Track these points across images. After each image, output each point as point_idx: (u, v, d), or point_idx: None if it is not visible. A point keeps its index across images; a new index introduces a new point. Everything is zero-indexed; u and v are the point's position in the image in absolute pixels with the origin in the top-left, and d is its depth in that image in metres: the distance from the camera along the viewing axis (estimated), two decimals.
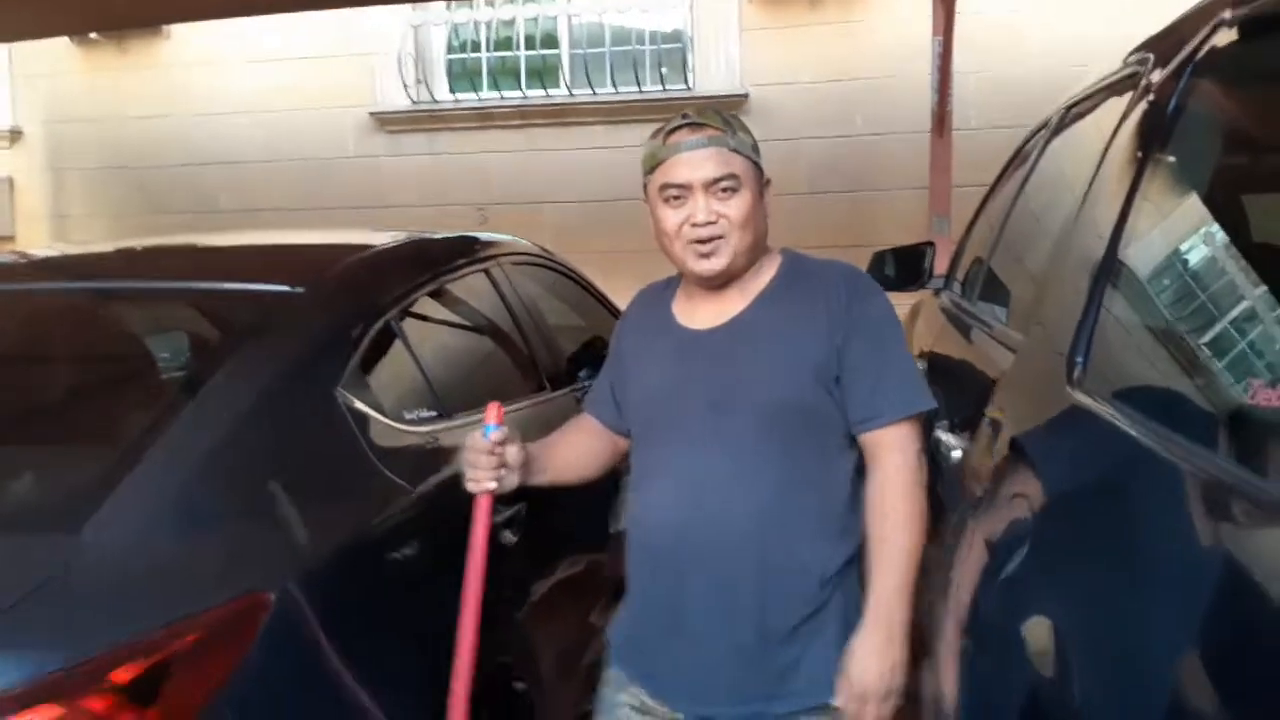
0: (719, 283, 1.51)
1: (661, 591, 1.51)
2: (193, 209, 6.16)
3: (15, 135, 6.40)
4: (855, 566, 1.49)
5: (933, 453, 1.79)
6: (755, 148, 1.51)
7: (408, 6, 5.76)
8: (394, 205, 5.92)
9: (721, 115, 1.51)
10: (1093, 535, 1.05)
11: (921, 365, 2.69)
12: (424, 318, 2.13)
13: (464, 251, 2.46)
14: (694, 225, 1.46)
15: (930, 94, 4.72)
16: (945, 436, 1.70)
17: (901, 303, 3.86)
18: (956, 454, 1.60)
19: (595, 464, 1.72)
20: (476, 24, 5.93)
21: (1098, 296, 1.25)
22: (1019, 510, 1.27)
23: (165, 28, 6.04)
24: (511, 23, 5.87)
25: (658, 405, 1.54)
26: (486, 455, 1.52)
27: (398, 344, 1.95)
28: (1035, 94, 5.00)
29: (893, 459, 1.44)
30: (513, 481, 1.56)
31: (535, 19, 5.86)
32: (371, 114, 5.98)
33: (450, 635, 1.54)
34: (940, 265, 3.35)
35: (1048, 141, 2.21)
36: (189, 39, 6.03)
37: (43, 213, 6.46)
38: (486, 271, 2.47)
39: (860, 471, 1.49)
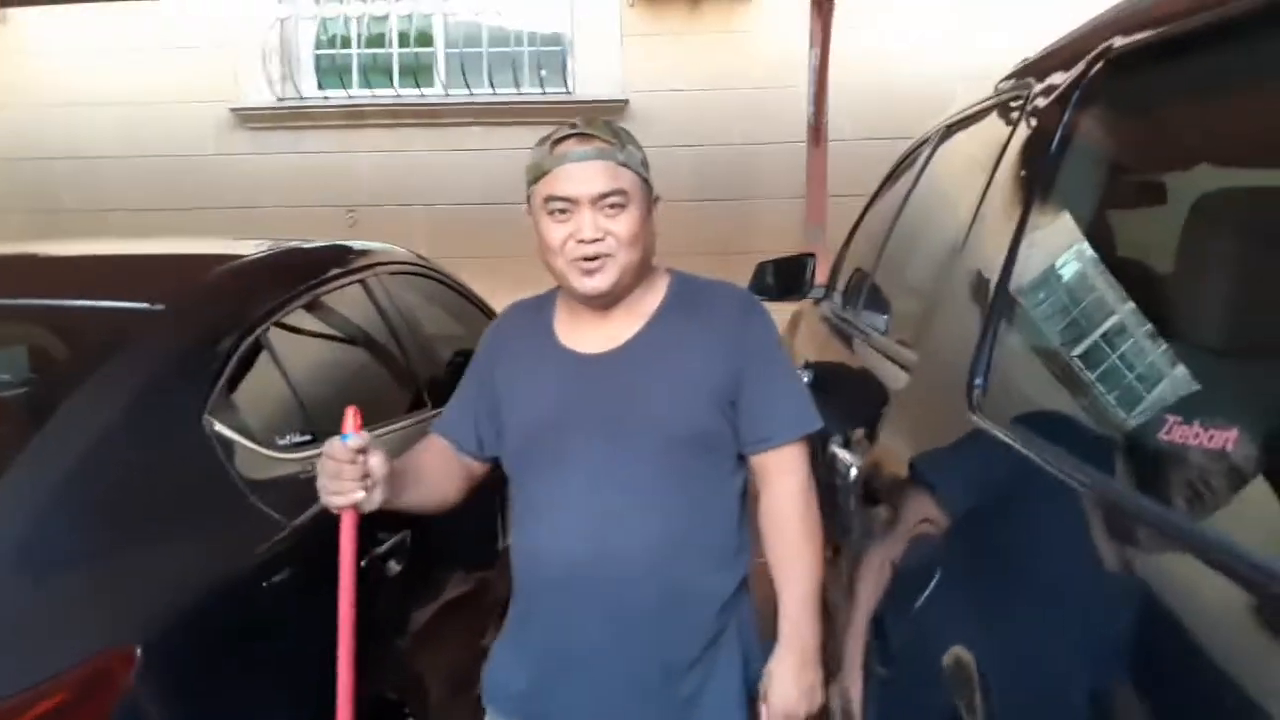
0: (604, 302, 1.45)
1: (553, 629, 1.44)
2: (35, 207, 5.71)
3: None
4: (747, 587, 1.49)
5: (829, 466, 1.79)
6: (645, 162, 1.46)
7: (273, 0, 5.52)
8: (257, 206, 5.64)
9: (611, 127, 1.45)
10: (997, 561, 1.06)
11: (807, 376, 2.72)
12: (296, 333, 2.00)
13: (338, 261, 2.33)
14: (579, 241, 1.39)
15: (807, 105, 4.81)
16: (840, 452, 1.70)
17: (781, 311, 3.91)
18: (853, 470, 1.60)
19: (455, 490, 1.57)
20: (347, 19, 5.72)
21: (994, 320, 1.27)
22: (922, 534, 1.27)
23: (1, 13, 5.59)
24: (384, 19, 5.69)
25: (544, 433, 1.46)
26: (348, 465, 1.33)
27: (268, 363, 1.82)
28: (907, 108, 5.14)
29: (787, 480, 1.44)
30: (377, 498, 1.37)
31: (409, 15, 5.70)
32: (233, 110, 5.68)
33: (333, 675, 1.44)
34: (821, 275, 3.41)
35: (929, 158, 2.25)
36: (28, 24, 5.59)
37: None
38: (363, 282, 2.35)
39: (746, 490, 1.49)
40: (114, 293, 1.75)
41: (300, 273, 2.12)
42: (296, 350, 1.97)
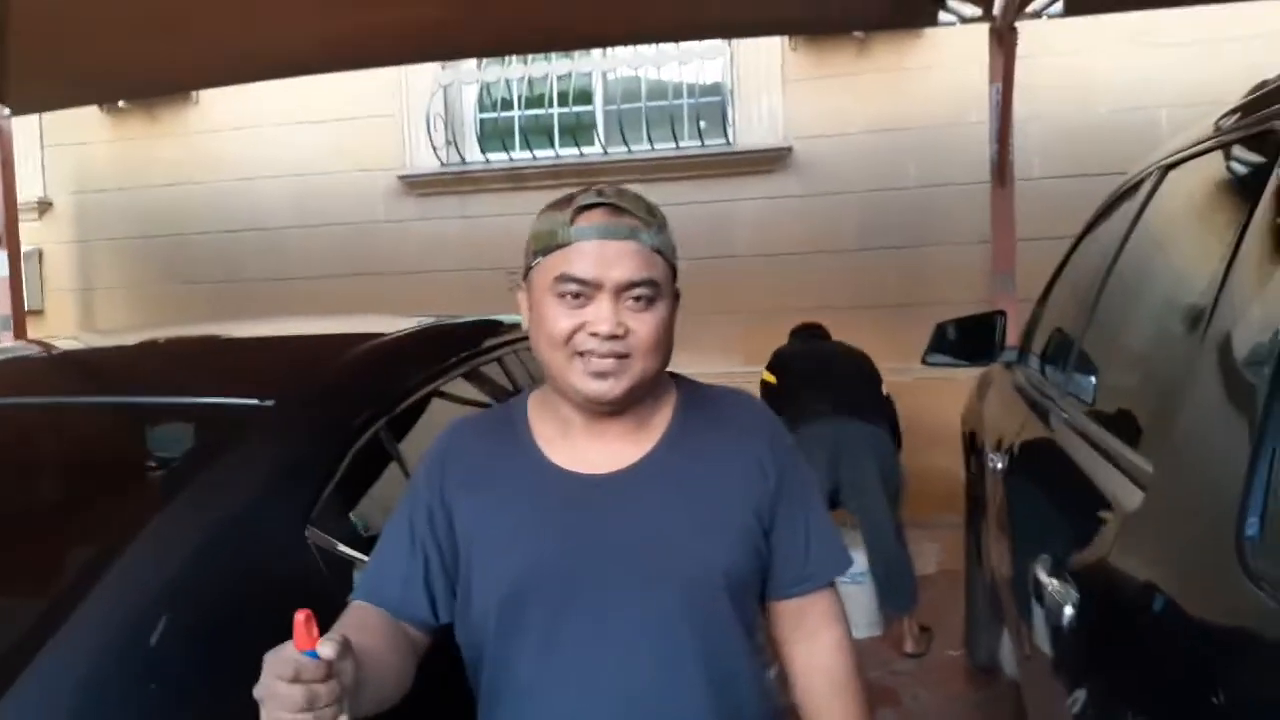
0: (608, 410, 1.17)
1: None
2: (221, 278, 6.01)
3: (45, 206, 6.32)
4: None
5: (1034, 594, 1.46)
6: (674, 250, 1.19)
7: (437, 66, 5.60)
8: (425, 271, 5.71)
9: (646, 203, 1.17)
10: None
11: (1001, 461, 2.35)
12: (422, 422, 1.84)
13: (473, 340, 2.20)
14: (593, 335, 1.12)
15: (990, 143, 4.42)
16: (1051, 581, 1.36)
17: (964, 376, 3.50)
18: (1069, 610, 1.26)
19: (409, 677, 1.13)
20: (508, 82, 5.75)
21: (1275, 435, 0.93)
22: None
23: (194, 94, 5.95)
24: (544, 79, 5.68)
25: (542, 582, 1.14)
26: (323, 687, 0.89)
27: (388, 461, 1.67)
28: (1103, 141, 4.71)
29: (835, 630, 1.26)
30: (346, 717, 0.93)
31: (569, 75, 5.67)
32: (400, 177, 5.80)
33: None
34: (1010, 331, 3.00)
35: (1145, 204, 1.88)
36: (217, 105, 5.93)
37: (71, 285, 6.36)
38: (499, 360, 2.20)
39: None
40: (226, 386, 1.63)
41: (429, 357, 1.98)
42: (423, 442, 1.81)
